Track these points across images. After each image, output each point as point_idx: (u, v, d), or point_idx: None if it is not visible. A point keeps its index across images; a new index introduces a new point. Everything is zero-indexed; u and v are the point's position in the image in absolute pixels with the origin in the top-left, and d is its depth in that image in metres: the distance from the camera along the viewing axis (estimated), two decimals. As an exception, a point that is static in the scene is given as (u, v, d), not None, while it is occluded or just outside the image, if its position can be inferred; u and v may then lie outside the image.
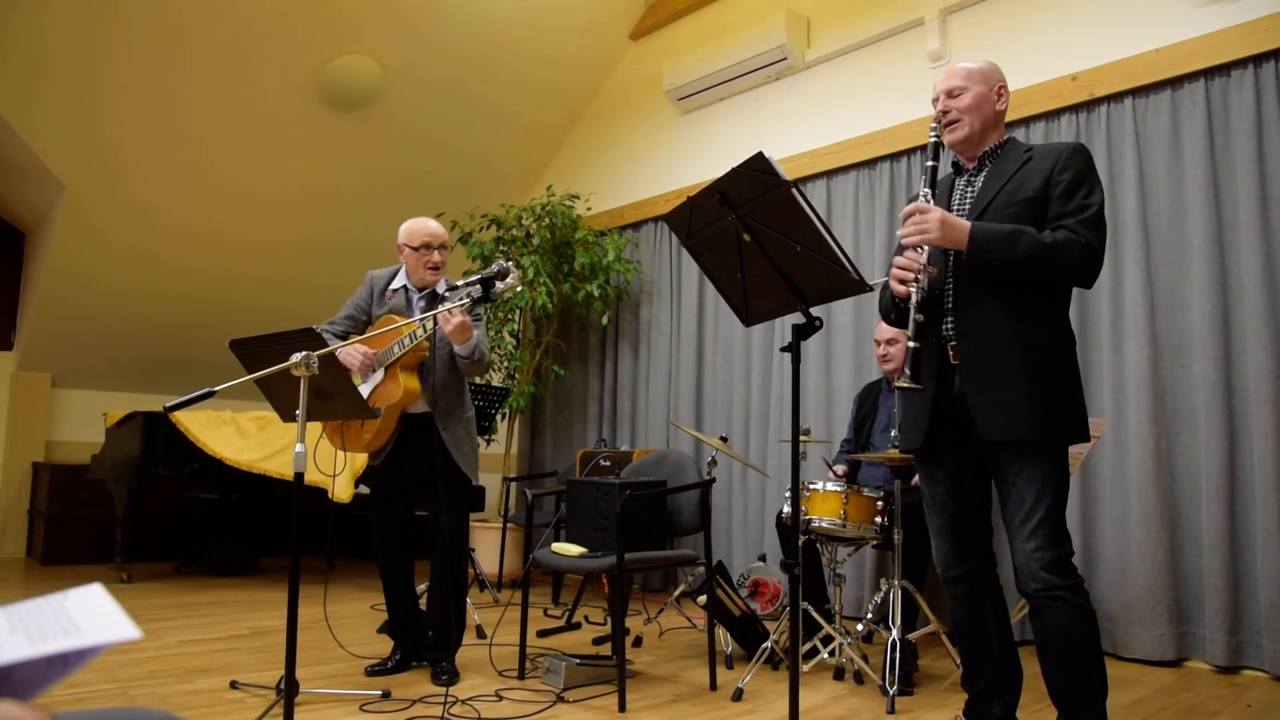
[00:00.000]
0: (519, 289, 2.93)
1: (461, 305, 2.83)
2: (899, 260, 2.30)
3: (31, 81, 4.83)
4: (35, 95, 4.89)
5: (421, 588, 3.64)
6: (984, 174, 2.38)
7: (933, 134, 2.39)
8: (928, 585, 3.62)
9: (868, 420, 4.00)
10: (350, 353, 3.03)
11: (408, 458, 3.20)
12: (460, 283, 2.98)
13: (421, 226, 3.23)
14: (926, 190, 2.32)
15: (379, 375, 3.15)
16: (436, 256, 3.20)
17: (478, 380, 4.78)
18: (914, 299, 2.27)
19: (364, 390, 3.11)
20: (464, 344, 3.00)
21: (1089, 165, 2.27)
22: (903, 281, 2.28)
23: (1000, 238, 2.18)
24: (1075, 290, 3.99)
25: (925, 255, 2.27)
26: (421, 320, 3.00)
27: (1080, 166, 2.25)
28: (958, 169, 2.46)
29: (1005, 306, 2.22)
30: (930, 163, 2.37)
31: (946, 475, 2.36)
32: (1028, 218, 2.22)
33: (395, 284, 3.28)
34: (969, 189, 2.40)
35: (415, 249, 3.20)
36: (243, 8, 4.93)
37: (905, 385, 2.24)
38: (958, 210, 2.38)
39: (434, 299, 3.21)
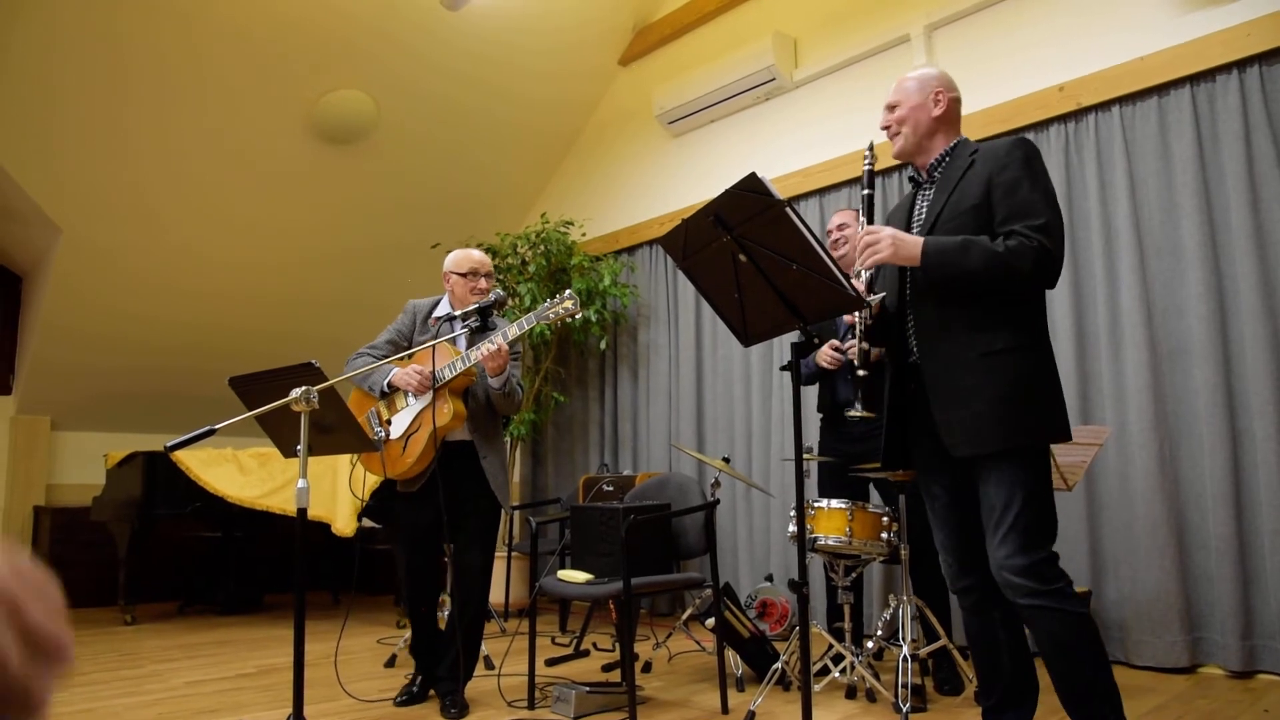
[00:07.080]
0: (578, 315, 2.97)
1: (509, 339, 2.96)
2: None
3: (23, 125, 4.85)
4: (27, 138, 4.91)
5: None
6: (934, 186, 2.34)
7: (866, 162, 2.40)
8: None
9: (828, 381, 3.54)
10: (409, 375, 3.06)
11: (446, 484, 3.17)
12: (458, 313, 3.00)
13: (468, 254, 3.33)
14: (863, 220, 2.38)
15: (426, 397, 3.15)
16: (483, 283, 3.29)
17: None
18: (859, 327, 2.37)
19: (411, 412, 3.14)
20: (497, 375, 3.07)
21: (1028, 160, 2.18)
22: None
23: (953, 250, 2.15)
24: (1072, 300, 4.00)
25: (865, 279, 2.35)
26: (465, 351, 3.07)
27: (1019, 163, 2.17)
28: (916, 184, 2.44)
29: (962, 320, 2.19)
30: (865, 191, 2.39)
31: (943, 489, 2.34)
32: (973, 228, 2.18)
33: (439, 312, 3.34)
34: (924, 203, 2.38)
35: (463, 275, 3.28)
36: (234, 46, 4.97)
37: (858, 415, 2.32)
38: (915, 226, 2.35)
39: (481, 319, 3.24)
